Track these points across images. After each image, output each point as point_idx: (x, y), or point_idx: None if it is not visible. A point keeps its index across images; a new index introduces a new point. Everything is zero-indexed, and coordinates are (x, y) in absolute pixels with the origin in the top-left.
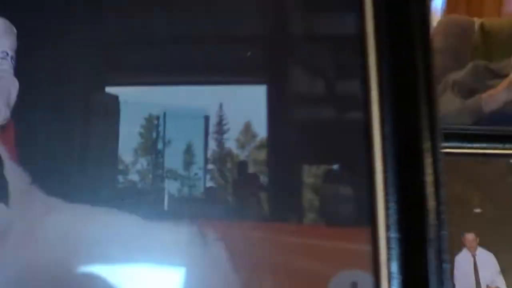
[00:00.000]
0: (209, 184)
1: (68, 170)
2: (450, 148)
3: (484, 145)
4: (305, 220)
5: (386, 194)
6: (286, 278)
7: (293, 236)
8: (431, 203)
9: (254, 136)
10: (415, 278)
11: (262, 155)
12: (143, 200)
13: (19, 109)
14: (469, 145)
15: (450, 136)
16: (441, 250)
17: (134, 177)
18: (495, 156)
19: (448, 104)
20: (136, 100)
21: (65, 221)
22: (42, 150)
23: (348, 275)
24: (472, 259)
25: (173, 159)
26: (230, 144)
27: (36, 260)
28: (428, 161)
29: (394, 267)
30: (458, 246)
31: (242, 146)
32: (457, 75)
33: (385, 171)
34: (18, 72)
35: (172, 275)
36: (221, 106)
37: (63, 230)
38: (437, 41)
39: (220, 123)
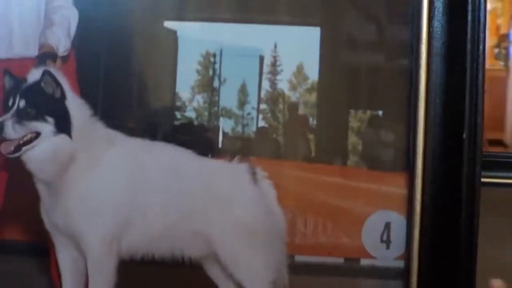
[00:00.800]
0: (261, 123)
1: (127, 104)
2: None
3: None
4: (348, 163)
5: (426, 142)
6: (327, 215)
7: (337, 177)
8: (468, 155)
9: (305, 78)
10: (446, 228)
11: (313, 97)
12: (199, 136)
13: (80, 41)
14: None
15: None
16: (474, 203)
17: (190, 113)
18: None
19: None
20: (193, 36)
21: (126, 153)
22: (103, 84)
23: (383, 216)
24: None
25: (228, 97)
26: (283, 85)
27: (96, 189)
28: (467, 115)
29: (428, 212)
30: None
31: (294, 87)
32: None
33: (426, 120)
34: (77, 3)
35: (225, 207)
36: (275, 46)
37: (123, 161)
38: None
39: (274, 63)
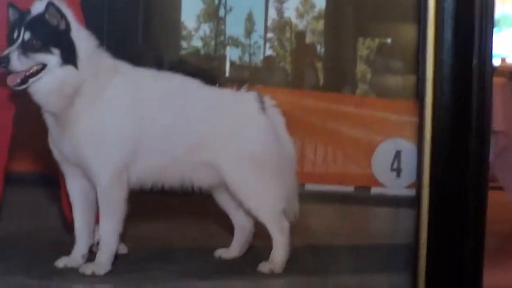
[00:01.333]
0: (269, 52)
1: (133, 35)
2: None
3: None
4: (357, 91)
5: (435, 69)
6: (337, 144)
7: (345, 105)
8: (478, 82)
9: (312, 6)
10: (457, 154)
11: (320, 25)
12: (206, 66)
13: None
14: None
15: None
16: (484, 128)
17: (197, 43)
18: None
19: None
20: None
21: (131, 83)
22: (108, 14)
23: (393, 143)
24: None
25: (234, 26)
26: (290, 13)
27: (102, 119)
28: (477, 43)
29: (438, 139)
30: None
31: (301, 15)
32: None
33: (436, 46)
34: None
35: (234, 136)
36: None
37: (129, 91)
38: None
39: None
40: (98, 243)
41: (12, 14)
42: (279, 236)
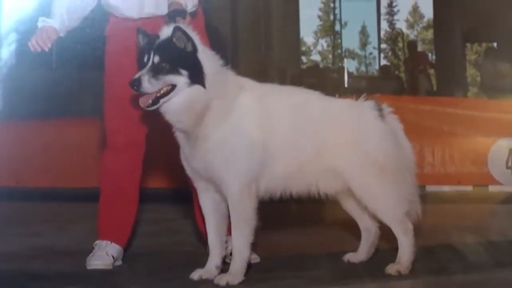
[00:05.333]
0: (383, 62)
1: (254, 52)
2: None
3: None
4: (469, 94)
5: None
6: (454, 145)
7: (459, 108)
8: None
9: (421, 16)
10: None
11: (430, 34)
12: (325, 78)
13: None
14: None
15: None
16: None
17: (316, 57)
18: None
19: None
20: None
21: (257, 98)
22: (231, 34)
23: (506, 142)
24: None
25: (350, 39)
26: (400, 24)
27: (232, 134)
28: None
29: None
30: None
31: (411, 26)
32: None
33: None
34: None
35: (356, 143)
36: None
37: (255, 105)
38: None
39: (390, 4)
40: (231, 254)
41: (142, 39)
42: (404, 237)
